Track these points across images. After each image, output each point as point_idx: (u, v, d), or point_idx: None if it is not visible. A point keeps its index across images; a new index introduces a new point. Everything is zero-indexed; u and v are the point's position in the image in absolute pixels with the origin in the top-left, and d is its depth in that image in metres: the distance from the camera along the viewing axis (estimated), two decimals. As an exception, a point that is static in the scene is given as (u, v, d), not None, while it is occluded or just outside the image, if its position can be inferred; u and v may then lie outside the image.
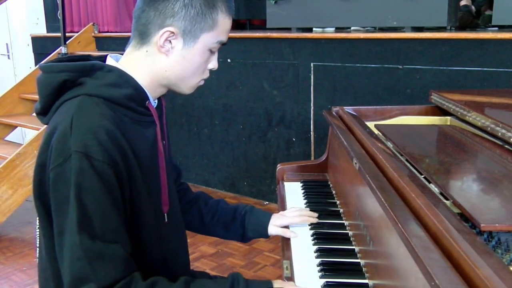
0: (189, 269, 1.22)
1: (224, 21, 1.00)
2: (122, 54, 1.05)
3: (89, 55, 1.03)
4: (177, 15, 0.96)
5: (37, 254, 1.04)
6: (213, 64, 1.05)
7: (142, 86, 1.00)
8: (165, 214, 1.06)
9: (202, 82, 1.07)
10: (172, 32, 0.96)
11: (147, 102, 1.01)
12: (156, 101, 1.07)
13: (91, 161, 0.86)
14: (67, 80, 0.94)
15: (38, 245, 1.03)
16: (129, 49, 1.03)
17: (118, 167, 0.90)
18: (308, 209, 1.36)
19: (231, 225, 1.29)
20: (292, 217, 1.29)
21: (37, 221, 0.99)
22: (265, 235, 1.28)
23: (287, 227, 1.29)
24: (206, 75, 1.06)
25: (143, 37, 0.99)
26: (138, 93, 0.99)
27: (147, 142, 1.01)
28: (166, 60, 0.99)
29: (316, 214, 1.31)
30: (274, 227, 1.27)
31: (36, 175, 0.94)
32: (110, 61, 1.03)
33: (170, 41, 0.97)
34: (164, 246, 1.06)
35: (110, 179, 0.88)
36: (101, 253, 0.86)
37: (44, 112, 0.98)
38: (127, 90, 0.97)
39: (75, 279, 0.85)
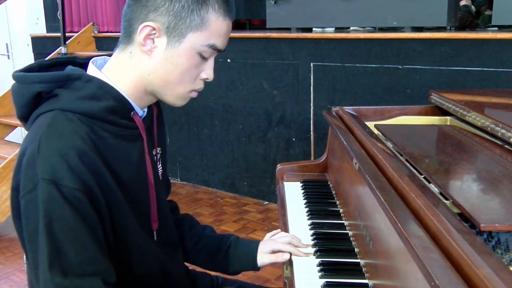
0: (186, 280, 1.17)
1: (217, 22, 0.89)
2: (110, 56, 0.97)
3: (75, 57, 0.97)
4: (159, 8, 0.86)
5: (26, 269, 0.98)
6: (207, 73, 0.94)
7: (126, 95, 0.91)
8: (154, 232, 0.99)
9: (194, 94, 0.96)
10: (154, 28, 0.87)
11: (132, 113, 0.92)
12: (145, 110, 0.99)
13: (60, 189, 0.78)
14: (42, 92, 0.87)
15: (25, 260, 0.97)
16: (116, 52, 0.94)
17: (92, 192, 0.82)
18: (299, 239, 1.18)
19: (215, 256, 1.17)
20: (282, 243, 1.14)
21: None
22: (254, 266, 1.15)
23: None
24: (199, 85, 0.95)
25: (128, 35, 0.90)
26: (120, 105, 0.90)
27: (132, 157, 0.93)
28: (149, 62, 0.90)
29: (304, 248, 1.14)
30: (264, 255, 1.14)
31: (12, 198, 0.86)
32: (91, 68, 0.94)
33: (153, 40, 0.88)
34: (158, 262, 1.01)
35: (83, 206, 0.81)
36: None
37: (24, 120, 0.92)
38: (107, 102, 0.88)
39: None
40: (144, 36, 0.88)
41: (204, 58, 0.92)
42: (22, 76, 0.89)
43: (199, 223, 1.25)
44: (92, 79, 0.89)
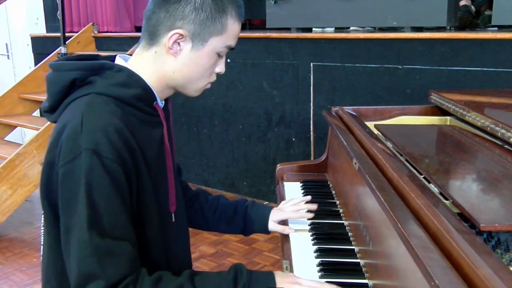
0: (191, 266, 1.23)
1: (233, 26, 1.02)
2: (130, 55, 1.07)
3: (97, 55, 1.05)
4: (187, 18, 0.97)
5: (41, 252, 1.05)
6: (221, 68, 1.07)
7: (151, 86, 1.02)
8: (172, 214, 1.08)
9: (209, 86, 1.08)
10: (181, 35, 0.98)
11: (154, 103, 1.03)
12: (163, 102, 1.09)
13: (101, 159, 0.87)
14: (77, 79, 0.96)
15: (42, 242, 1.04)
16: (138, 50, 1.04)
17: (127, 165, 0.91)
18: (307, 199, 1.37)
19: (233, 219, 1.31)
20: (291, 212, 1.31)
21: (42, 218, 0.99)
22: (266, 229, 1.29)
23: (286, 222, 1.30)
24: (213, 78, 1.07)
25: (153, 37, 1.01)
26: (146, 93, 1.00)
27: (154, 142, 1.02)
28: (174, 62, 1.01)
29: (315, 206, 1.32)
30: (273, 223, 1.29)
31: (44, 173, 0.95)
32: (119, 61, 1.04)
33: (178, 43, 0.99)
34: (169, 245, 1.07)
35: (119, 177, 0.89)
36: (110, 250, 0.87)
37: (52, 110, 1.00)
38: (136, 90, 0.98)
39: (84, 275, 0.86)
40: (172, 42, 0.99)
41: (220, 56, 1.05)
42: (59, 64, 1.00)
43: (211, 194, 1.38)
44: (123, 69, 1.00)
